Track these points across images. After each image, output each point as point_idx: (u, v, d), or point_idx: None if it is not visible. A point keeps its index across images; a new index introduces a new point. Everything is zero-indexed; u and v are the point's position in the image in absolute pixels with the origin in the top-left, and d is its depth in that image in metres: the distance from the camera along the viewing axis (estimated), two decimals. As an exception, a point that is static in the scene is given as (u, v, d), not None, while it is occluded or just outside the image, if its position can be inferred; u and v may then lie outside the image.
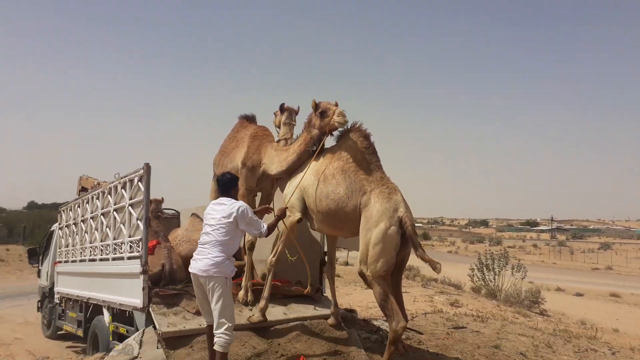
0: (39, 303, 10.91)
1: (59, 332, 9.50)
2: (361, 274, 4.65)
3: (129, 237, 5.77)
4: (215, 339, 4.17)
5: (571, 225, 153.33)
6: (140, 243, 5.40)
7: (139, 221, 5.54)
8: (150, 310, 5.25)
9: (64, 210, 8.95)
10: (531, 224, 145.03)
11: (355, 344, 5.22)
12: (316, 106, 5.26)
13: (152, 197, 7.56)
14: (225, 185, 4.67)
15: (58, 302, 8.98)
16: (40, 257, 10.98)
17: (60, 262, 8.78)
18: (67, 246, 8.40)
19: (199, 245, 4.41)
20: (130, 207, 5.82)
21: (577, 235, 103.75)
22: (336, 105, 5.23)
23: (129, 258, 5.69)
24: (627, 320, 15.94)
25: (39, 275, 11.23)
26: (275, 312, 5.63)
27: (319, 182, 5.13)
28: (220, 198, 4.60)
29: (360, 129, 5.25)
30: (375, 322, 6.20)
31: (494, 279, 17.31)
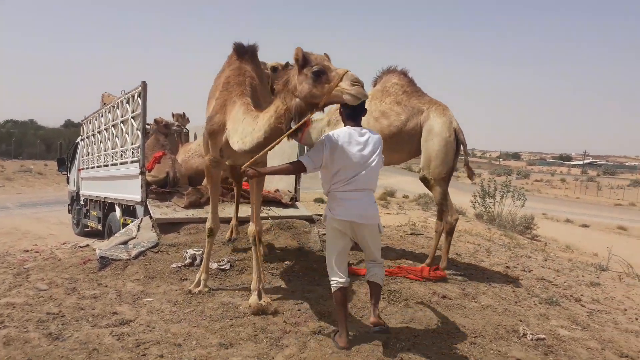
0: (69, 206, 12.44)
1: (86, 230, 10.97)
2: (423, 179, 5.65)
3: (132, 144, 6.83)
4: (378, 272, 3.78)
5: (607, 161, 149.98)
6: (139, 149, 6.46)
7: (138, 131, 6.57)
8: (147, 203, 6.42)
9: (84, 123, 10.11)
10: (564, 159, 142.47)
11: (314, 238, 6.30)
12: (304, 60, 3.26)
13: (174, 111, 8.94)
14: (359, 110, 3.66)
15: (83, 203, 10.37)
16: (68, 166, 12.41)
17: (83, 169, 10.07)
18: (87, 155, 9.64)
19: (349, 189, 3.52)
20: (132, 119, 6.84)
21: (609, 171, 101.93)
22: (327, 58, 3.35)
23: (132, 162, 6.78)
24: (618, 248, 16.62)
25: (67, 182, 12.72)
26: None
27: (377, 119, 5.73)
28: (355, 127, 3.66)
29: (397, 70, 6.04)
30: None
31: (494, 206, 18.07)
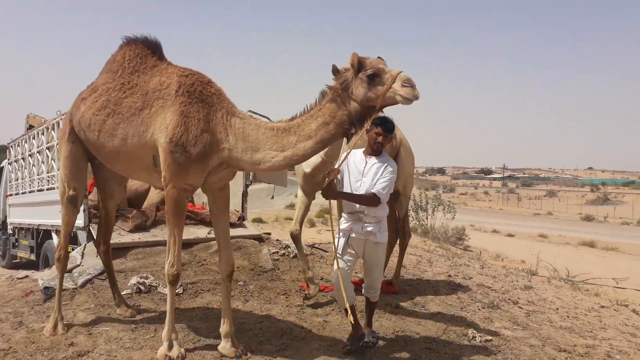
0: (-6, 237, 11.63)
1: (14, 261, 10.30)
2: (396, 195, 5.55)
3: (71, 168, 6.59)
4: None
5: (523, 173, 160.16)
6: (80, 172, 6.25)
7: (78, 153, 6.36)
8: (91, 228, 6.20)
9: (12, 147, 9.58)
10: (485, 172, 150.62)
11: (265, 257, 6.35)
12: (359, 64, 3.25)
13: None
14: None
15: (11, 232, 9.77)
16: (-8, 192, 11.62)
17: (11, 195, 9.51)
18: (17, 180, 9.12)
19: None
20: (71, 142, 6.60)
21: (526, 183, 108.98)
22: (382, 61, 3.34)
23: (72, 186, 6.53)
24: (542, 254, 17.85)
25: (-9, 210, 11.89)
26: (200, 232, 6.65)
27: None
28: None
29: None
30: (284, 242, 7.33)
31: (427, 219, 18.79)
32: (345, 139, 3.86)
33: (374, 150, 3.89)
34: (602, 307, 6.29)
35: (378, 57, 3.35)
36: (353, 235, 3.87)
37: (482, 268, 7.79)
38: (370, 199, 3.75)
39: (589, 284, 8.61)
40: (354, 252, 3.91)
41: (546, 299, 6.32)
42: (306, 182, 5.20)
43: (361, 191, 3.79)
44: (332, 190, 3.77)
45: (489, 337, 4.48)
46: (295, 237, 5.40)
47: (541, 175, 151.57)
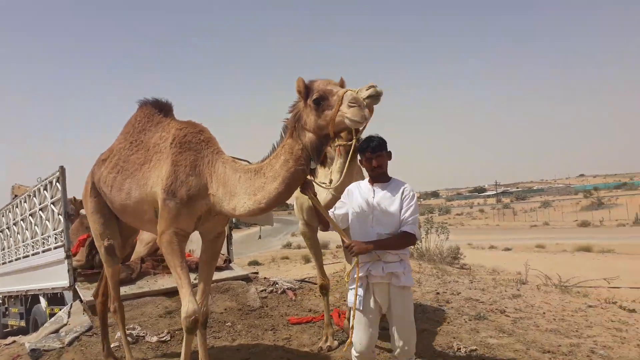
0: (-16, 309, 11.55)
1: (5, 330, 10.20)
2: None
3: (54, 230, 6.68)
4: None
5: (516, 187, 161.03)
6: (63, 234, 6.34)
7: (59, 216, 6.46)
8: (76, 287, 6.23)
9: (-4, 218, 9.65)
10: (479, 191, 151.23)
11: (253, 296, 6.39)
12: (306, 89, 2.99)
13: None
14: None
15: (1, 302, 9.73)
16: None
17: (-2, 265, 9.52)
18: (2, 249, 9.16)
19: None
20: (52, 205, 6.72)
21: (520, 197, 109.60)
22: (343, 84, 3.05)
23: (55, 248, 6.60)
24: (538, 264, 17.85)
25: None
26: (186, 279, 6.70)
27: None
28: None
29: None
30: (272, 279, 7.38)
31: (421, 242, 18.82)
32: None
33: (375, 178, 3.31)
34: (590, 306, 6.34)
35: (341, 78, 3.05)
36: (373, 281, 3.16)
37: (472, 282, 7.83)
38: (406, 239, 3.15)
39: (581, 287, 8.65)
40: (376, 303, 3.18)
41: (534, 305, 6.37)
42: (314, 218, 4.32)
43: (375, 227, 3.16)
44: (362, 244, 3.07)
45: (474, 347, 4.53)
46: (325, 288, 4.86)
47: (534, 188, 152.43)
